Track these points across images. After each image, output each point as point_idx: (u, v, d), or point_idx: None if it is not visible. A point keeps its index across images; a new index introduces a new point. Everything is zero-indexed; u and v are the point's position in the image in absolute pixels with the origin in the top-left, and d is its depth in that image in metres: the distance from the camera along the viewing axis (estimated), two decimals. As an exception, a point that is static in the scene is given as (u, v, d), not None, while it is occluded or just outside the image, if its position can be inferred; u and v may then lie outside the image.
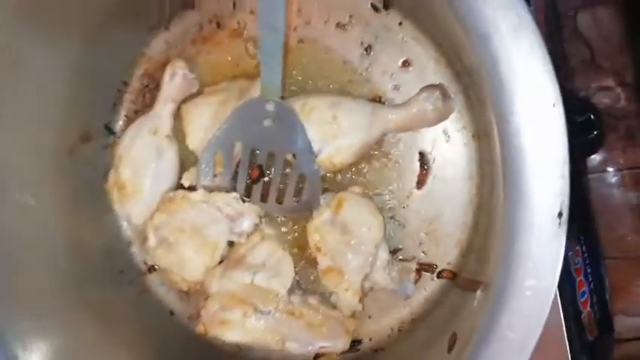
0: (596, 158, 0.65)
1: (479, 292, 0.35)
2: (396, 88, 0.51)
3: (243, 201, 0.51)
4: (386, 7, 0.50)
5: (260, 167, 0.51)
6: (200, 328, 0.51)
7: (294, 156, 0.49)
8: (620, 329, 0.62)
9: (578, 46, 0.67)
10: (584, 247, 0.64)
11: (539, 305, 0.31)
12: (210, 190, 0.52)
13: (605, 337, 0.62)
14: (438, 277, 0.50)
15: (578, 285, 0.62)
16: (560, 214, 0.30)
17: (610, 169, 0.66)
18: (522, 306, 0.31)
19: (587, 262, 0.63)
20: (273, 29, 0.40)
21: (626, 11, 0.68)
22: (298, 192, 0.50)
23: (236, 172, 0.51)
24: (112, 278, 0.55)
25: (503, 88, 0.30)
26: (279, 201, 0.51)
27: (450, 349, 0.36)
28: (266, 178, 0.51)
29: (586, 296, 0.63)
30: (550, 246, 0.30)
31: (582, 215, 0.64)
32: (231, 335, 0.50)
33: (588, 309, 0.62)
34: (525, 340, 0.31)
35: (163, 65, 0.54)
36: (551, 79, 0.29)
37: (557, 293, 0.53)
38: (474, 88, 0.39)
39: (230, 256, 0.53)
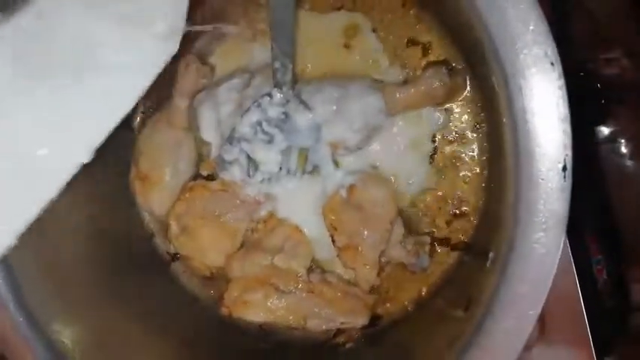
0: (606, 129, 0.66)
1: (491, 254, 0.37)
2: (403, 67, 0.52)
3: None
4: (389, -11, 0.51)
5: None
6: (224, 310, 0.53)
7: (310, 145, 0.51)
8: (636, 297, 0.63)
9: (583, 18, 0.67)
10: (596, 217, 0.64)
11: (548, 257, 0.32)
12: (228, 179, 0.53)
13: (622, 305, 0.63)
14: (453, 249, 0.51)
15: (593, 253, 0.63)
16: (564, 168, 0.31)
17: (621, 140, 0.66)
18: (532, 259, 0.32)
19: (599, 231, 0.64)
20: (284, 16, 0.41)
21: (630, -19, 0.68)
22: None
23: (254, 163, 0.52)
24: (137, 268, 0.57)
25: (503, 52, 0.31)
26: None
27: (467, 309, 0.38)
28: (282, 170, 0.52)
29: (601, 264, 0.63)
30: (556, 199, 0.31)
31: (593, 185, 0.64)
32: (254, 316, 0.52)
33: (604, 276, 0.63)
34: (537, 292, 0.32)
35: (176, 59, 0.55)
36: (548, 39, 0.31)
37: (572, 261, 0.54)
38: (476, 58, 0.40)
39: (249, 241, 0.55)
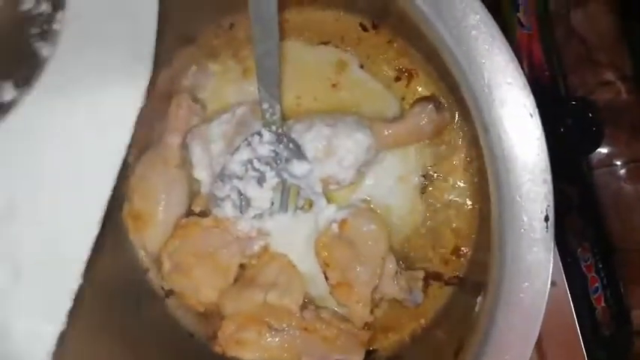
0: (601, 152, 0.66)
1: (479, 298, 0.36)
2: (391, 102, 0.52)
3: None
4: (375, 26, 0.52)
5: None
6: (218, 349, 0.53)
7: (301, 181, 0.51)
8: (638, 322, 0.62)
9: (573, 43, 0.68)
10: (593, 243, 0.64)
11: (534, 306, 0.32)
12: (221, 216, 0.53)
13: (623, 332, 0.62)
14: (446, 284, 0.51)
15: (591, 281, 0.62)
16: (546, 218, 0.31)
17: (617, 163, 0.66)
18: (519, 307, 0.32)
19: (597, 257, 0.63)
20: (269, 63, 0.42)
21: (619, 5, 0.68)
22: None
23: (246, 200, 0.53)
24: (131, 303, 0.57)
25: (481, 100, 0.31)
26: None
27: (457, 355, 0.37)
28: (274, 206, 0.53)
29: (599, 292, 0.63)
30: (539, 248, 0.31)
31: (589, 211, 0.64)
32: (249, 354, 0.52)
33: (603, 304, 0.62)
34: (525, 339, 0.32)
35: (168, 97, 0.56)
36: (527, 91, 0.31)
37: (568, 292, 0.53)
38: (462, 100, 0.41)
39: (242, 277, 0.55)
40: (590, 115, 0.62)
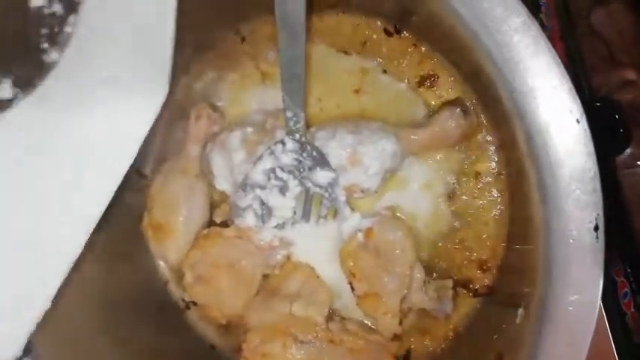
0: (625, 153, 0.64)
1: (520, 310, 0.35)
2: (416, 107, 0.51)
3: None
4: (398, 31, 0.50)
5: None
6: (243, 362, 0.52)
7: (325, 190, 0.50)
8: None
9: (594, 43, 0.66)
10: (621, 247, 0.62)
11: (583, 320, 0.31)
12: (242, 226, 0.52)
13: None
14: (475, 294, 0.50)
15: (620, 286, 0.61)
16: (596, 228, 0.30)
17: (642, 163, 0.64)
18: (566, 322, 0.31)
19: (626, 261, 0.62)
20: (294, 69, 0.41)
21: (639, 4, 0.67)
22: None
23: (267, 209, 0.52)
24: (151, 316, 0.56)
25: (525, 106, 0.30)
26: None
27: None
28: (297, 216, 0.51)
29: (629, 297, 0.61)
30: (589, 260, 0.30)
31: (617, 214, 0.62)
32: (274, 367, 0.51)
33: (632, 309, 0.61)
34: (572, 356, 0.31)
35: (186, 106, 0.55)
36: (572, 96, 0.30)
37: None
38: (494, 104, 0.39)
39: (265, 287, 0.54)
40: (617, 116, 0.61)
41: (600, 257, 0.30)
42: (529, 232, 0.35)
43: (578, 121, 0.30)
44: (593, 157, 0.30)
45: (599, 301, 0.30)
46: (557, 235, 0.31)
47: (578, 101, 0.30)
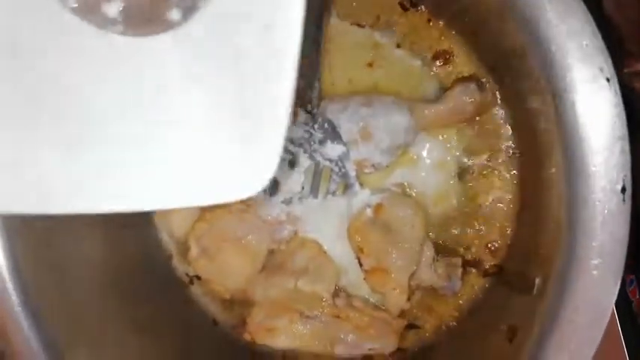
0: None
1: (538, 280, 0.35)
2: (430, 82, 0.51)
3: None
4: (414, 5, 0.50)
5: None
6: (247, 336, 0.51)
7: (335, 164, 0.49)
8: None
9: (605, 32, 0.66)
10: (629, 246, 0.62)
11: (606, 285, 0.30)
12: (250, 199, 0.52)
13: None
14: (485, 272, 0.49)
15: (625, 272, 0.61)
16: (623, 189, 0.29)
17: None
18: (589, 287, 0.30)
19: (632, 248, 0.62)
20: (313, 34, 0.40)
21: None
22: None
23: (275, 183, 0.51)
24: (153, 290, 0.56)
25: (553, 66, 0.29)
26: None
27: (511, 340, 0.36)
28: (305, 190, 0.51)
29: (634, 284, 0.61)
30: (615, 222, 0.29)
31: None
32: (279, 342, 0.50)
33: (638, 297, 0.61)
34: (594, 324, 0.30)
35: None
36: (604, 54, 0.29)
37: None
38: (510, 74, 0.39)
39: (271, 263, 0.53)
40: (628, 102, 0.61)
41: (627, 220, 0.30)
42: (549, 204, 0.34)
43: (608, 80, 0.29)
44: (623, 118, 0.29)
45: (622, 266, 0.30)
46: (582, 198, 0.30)
47: (610, 60, 0.29)
